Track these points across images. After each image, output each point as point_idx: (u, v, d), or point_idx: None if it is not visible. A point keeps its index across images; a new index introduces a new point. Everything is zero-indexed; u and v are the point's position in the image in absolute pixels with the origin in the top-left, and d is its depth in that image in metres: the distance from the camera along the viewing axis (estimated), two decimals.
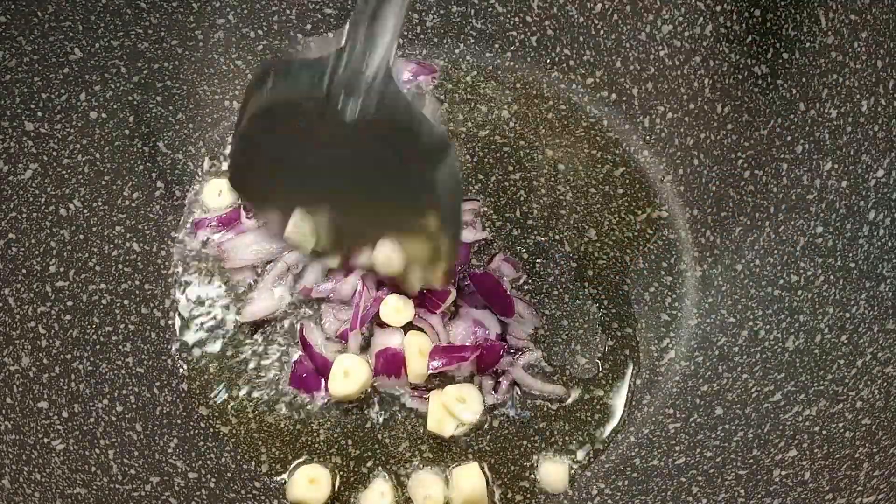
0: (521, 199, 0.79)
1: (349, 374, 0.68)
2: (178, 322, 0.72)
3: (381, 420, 0.69)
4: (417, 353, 0.68)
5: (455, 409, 0.67)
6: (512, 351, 0.71)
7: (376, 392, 0.70)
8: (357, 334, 0.69)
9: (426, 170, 0.59)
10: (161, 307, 0.72)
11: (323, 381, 0.70)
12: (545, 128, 0.83)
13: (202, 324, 0.72)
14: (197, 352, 0.71)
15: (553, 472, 0.68)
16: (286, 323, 0.73)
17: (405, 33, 0.85)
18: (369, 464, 0.68)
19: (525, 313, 0.73)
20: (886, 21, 0.60)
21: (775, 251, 0.69)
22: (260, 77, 0.63)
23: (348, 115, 0.58)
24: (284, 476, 0.67)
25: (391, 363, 0.69)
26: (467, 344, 0.70)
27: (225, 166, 0.80)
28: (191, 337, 0.72)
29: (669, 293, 0.76)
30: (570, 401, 0.70)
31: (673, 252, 0.77)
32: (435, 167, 0.59)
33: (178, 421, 0.67)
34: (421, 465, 0.68)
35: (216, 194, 0.78)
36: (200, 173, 0.79)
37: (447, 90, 0.84)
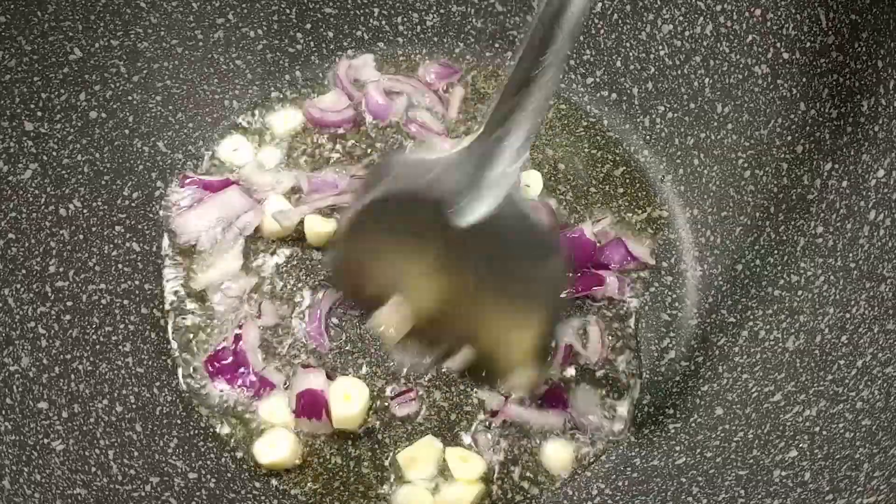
0: None
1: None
2: (177, 320, 0.72)
3: (378, 422, 0.69)
4: (342, 398, 0.67)
5: (453, 464, 0.67)
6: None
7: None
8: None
9: (532, 275, 0.57)
10: (161, 307, 0.72)
11: (236, 376, 0.69)
12: (545, 127, 0.83)
13: (202, 322, 0.72)
14: (197, 351, 0.71)
15: (558, 452, 0.68)
16: (290, 324, 0.73)
17: (405, 32, 0.85)
18: (366, 462, 0.68)
19: None
20: (886, 21, 0.60)
21: (775, 251, 0.69)
22: (380, 168, 0.62)
23: (464, 218, 0.55)
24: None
25: (312, 406, 0.67)
26: None
27: (245, 121, 0.82)
28: (191, 336, 0.72)
29: (669, 293, 0.75)
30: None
31: (673, 252, 0.77)
32: (541, 273, 0.57)
33: (178, 421, 0.67)
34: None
35: (231, 149, 0.80)
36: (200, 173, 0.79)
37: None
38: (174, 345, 0.71)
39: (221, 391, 0.69)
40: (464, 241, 0.56)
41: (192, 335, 0.72)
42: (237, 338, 0.70)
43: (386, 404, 0.69)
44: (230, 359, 0.70)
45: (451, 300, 0.62)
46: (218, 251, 0.75)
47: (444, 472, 0.67)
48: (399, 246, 0.61)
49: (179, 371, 0.70)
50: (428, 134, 0.81)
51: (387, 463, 0.67)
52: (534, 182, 0.79)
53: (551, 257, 0.58)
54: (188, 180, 0.76)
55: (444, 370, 0.70)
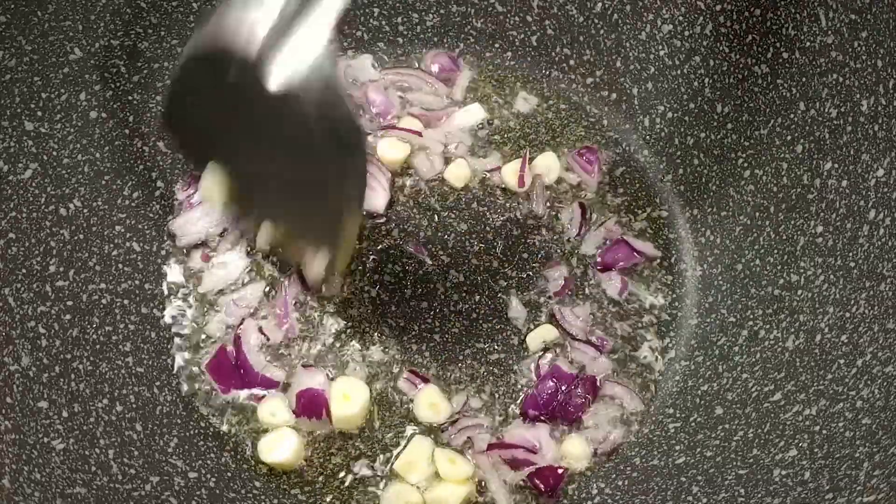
0: (522, 198, 0.79)
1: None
2: (175, 319, 0.72)
3: (377, 422, 0.69)
4: (342, 398, 0.67)
5: (441, 465, 0.66)
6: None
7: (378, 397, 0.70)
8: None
9: (337, 154, 0.57)
10: (161, 307, 0.72)
11: (239, 379, 0.70)
12: (545, 127, 0.83)
13: (204, 321, 0.72)
14: (197, 349, 0.71)
15: (577, 445, 0.68)
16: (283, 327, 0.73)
17: (404, 32, 0.85)
18: (366, 461, 0.68)
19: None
20: (886, 21, 0.60)
21: (775, 251, 0.69)
22: (203, 23, 0.60)
23: (270, 83, 0.54)
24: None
25: (312, 405, 0.67)
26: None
27: None
28: (190, 335, 0.72)
29: (669, 293, 0.75)
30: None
31: (673, 252, 0.77)
32: (345, 154, 0.58)
33: (178, 420, 0.67)
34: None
35: None
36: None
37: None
38: (174, 344, 0.71)
39: (222, 391, 0.69)
40: (271, 108, 0.55)
41: (193, 335, 0.72)
42: (237, 339, 0.70)
43: (391, 389, 0.70)
44: (231, 361, 0.70)
45: (262, 170, 0.63)
46: (221, 252, 0.75)
47: (437, 471, 0.67)
48: (216, 105, 0.61)
49: (179, 371, 0.70)
50: (416, 116, 0.82)
51: (386, 463, 0.67)
52: (551, 164, 0.79)
53: (353, 148, 0.58)
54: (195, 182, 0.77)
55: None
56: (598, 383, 0.70)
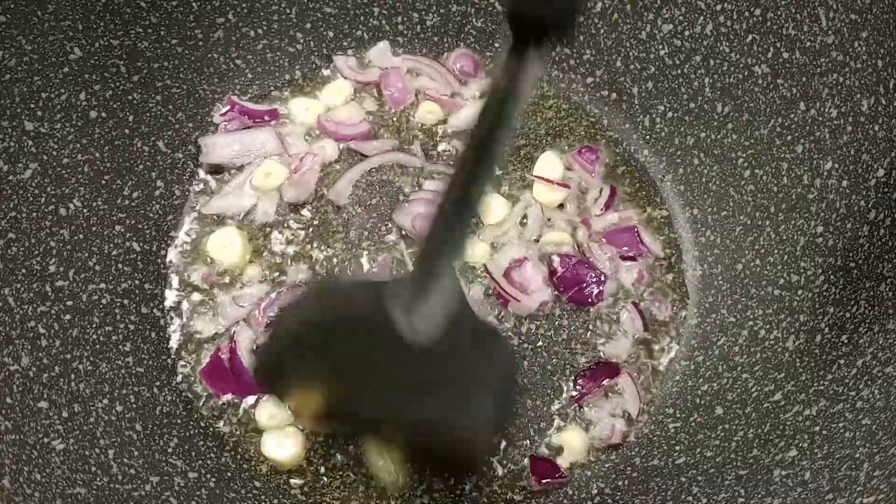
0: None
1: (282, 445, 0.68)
2: (176, 320, 0.72)
3: None
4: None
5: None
6: None
7: None
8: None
9: (485, 379, 0.57)
10: (161, 307, 0.72)
11: (234, 383, 0.69)
12: (545, 127, 0.83)
13: (203, 320, 0.72)
14: (197, 349, 0.71)
15: (576, 437, 0.68)
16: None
17: (404, 32, 0.85)
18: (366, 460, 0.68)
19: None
20: (886, 21, 0.60)
21: (775, 251, 0.69)
22: (308, 296, 0.62)
23: (418, 340, 0.53)
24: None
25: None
26: None
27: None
28: (190, 335, 0.72)
29: (669, 293, 0.75)
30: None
31: (673, 252, 0.77)
32: (493, 378, 0.57)
33: (178, 421, 0.67)
34: None
35: (304, 108, 0.82)
36: (201, 173, 0.79)
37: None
38: (174, 344, 0.71)
39: (220, 395, 0.69)
40: (420, 359, 0.54)
41: (192, 335, 0.72)
42: (231, 343, 0.70)
43: None
44: (225, 365, 0.70)
45: (398, 409, 0.58)
46: (234, 184, 0.77)
47: None
48: (345, 364, 0.57)
49: (179, 371, 0.70)
50: (435, 100, 0.83)
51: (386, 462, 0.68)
52: (553, 165, 0.79)
53: (502, 359, 0.59)
54: (234, 107, 0.80)
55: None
56: (619, 369, 0.71)
